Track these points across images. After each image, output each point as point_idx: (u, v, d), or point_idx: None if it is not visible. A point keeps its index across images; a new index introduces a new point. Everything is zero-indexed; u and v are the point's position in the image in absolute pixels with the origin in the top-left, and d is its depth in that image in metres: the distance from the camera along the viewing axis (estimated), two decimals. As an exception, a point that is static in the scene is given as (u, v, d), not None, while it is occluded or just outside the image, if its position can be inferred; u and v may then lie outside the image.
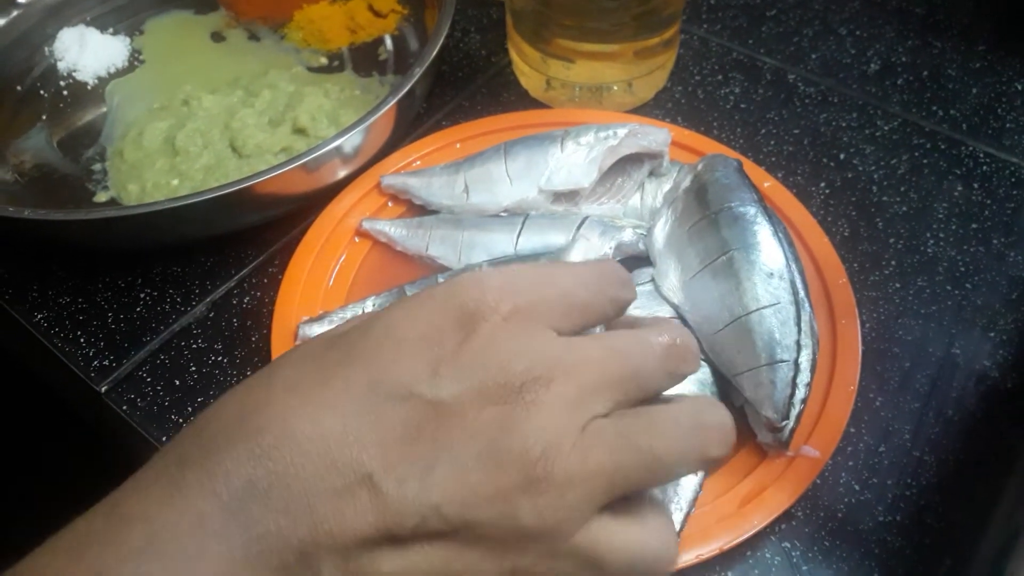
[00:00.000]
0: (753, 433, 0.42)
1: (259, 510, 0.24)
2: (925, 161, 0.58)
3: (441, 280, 0.44)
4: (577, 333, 0.28)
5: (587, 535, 0.25)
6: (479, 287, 0.26)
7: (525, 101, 0.62)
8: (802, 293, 0.43)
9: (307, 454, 0.24)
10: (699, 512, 0.39)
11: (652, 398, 0.28)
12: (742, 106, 0.61)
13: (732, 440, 0.28)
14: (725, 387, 0.43)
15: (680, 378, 0.28)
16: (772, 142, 0.59)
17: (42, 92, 0.65)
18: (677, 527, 0.38)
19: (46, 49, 0.67)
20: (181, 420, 0.46)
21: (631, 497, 0.27)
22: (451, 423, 0.25)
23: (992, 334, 0.48)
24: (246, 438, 0.25)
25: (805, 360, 0.41)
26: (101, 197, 0.57)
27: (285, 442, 0.24)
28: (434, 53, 0.55)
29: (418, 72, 0.53)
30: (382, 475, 0.24)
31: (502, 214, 0.51)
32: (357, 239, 0.52)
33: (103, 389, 0.48)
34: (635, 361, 0.27)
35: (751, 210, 0.45)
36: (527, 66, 0.60)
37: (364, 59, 0.66)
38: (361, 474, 0.24)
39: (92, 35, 0.67)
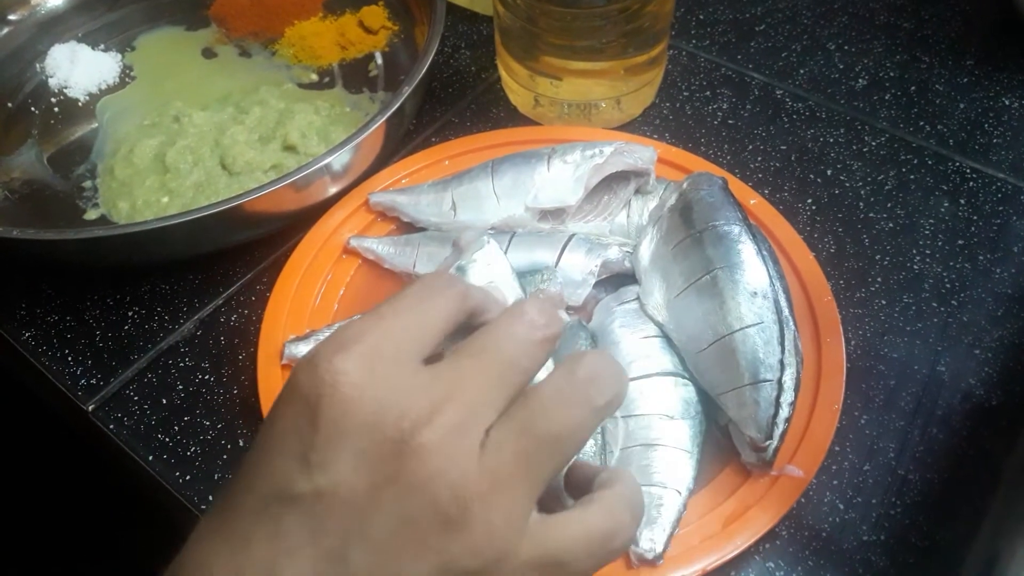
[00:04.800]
0: (737, 452, 0.42)
1: None
2: (912, 177, 0.58)
3: None
4: (453, 339, 0.27)
5: (533, 545, 0.25)
6: (308, 366, 0.25)
7: (515, 117, 0.63)
8: (786, 312, 0.43)
9: None
10: (683, 532, 0.40)
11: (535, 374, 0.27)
12: (730, 122, 0.62)
13: (621, 377, 0.27)
14: (710, 406, 0.43)
15: (554, 341, 0.27)
16: (759, 158, 0.59)
17: (33, 108, 0.65)
18: (660, 547, 0.38)
19: (37, 65, 0.68)
20: (167, 439, 0.46)
21: (555, 487, 0.27)
22: (345, 506, 0.24)
23: (978, 351, 0.49)
24: None
25: (789, 379, 0.41)
26: (91, 214, 0.57)
27: None
28: (423, 70, 0.55)
29: (407, 89, 0.54)
30: None
31: (489, 232, 0.51)
32: (345, 257, 0.52)
33: (90, 408, 0.48)
34: (507, 352, 0.26)
35: (735, 229, 0.45)
36: (516, 83, 0.60)
37: (354, 76, 0.66)
38: None
39: (83, 51, 0.68)
